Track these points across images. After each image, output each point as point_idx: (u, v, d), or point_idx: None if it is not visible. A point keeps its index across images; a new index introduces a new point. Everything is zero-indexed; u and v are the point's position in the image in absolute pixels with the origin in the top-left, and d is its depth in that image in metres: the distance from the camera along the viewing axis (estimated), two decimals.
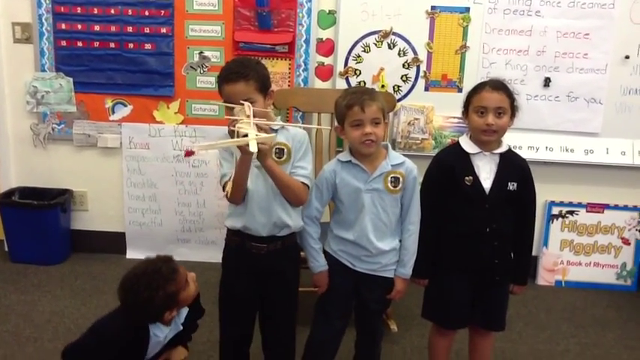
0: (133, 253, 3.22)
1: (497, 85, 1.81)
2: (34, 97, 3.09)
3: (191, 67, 3.02)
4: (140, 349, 1.73)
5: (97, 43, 3.01)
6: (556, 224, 3.18)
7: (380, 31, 2.93)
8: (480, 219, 1.83)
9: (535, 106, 2.97)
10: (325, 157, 2.77)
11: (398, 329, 2.53)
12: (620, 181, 3.09)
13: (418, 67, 2.97)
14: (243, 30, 2.95)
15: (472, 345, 2.06)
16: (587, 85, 2.96)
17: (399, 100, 2.98)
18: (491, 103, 1.78)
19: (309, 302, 1.97)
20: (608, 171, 3.07)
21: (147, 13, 2.96)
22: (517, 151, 1.96)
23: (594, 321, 2.78)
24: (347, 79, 3.00)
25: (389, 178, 1.78)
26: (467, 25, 2.92)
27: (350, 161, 1.79)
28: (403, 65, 2.97)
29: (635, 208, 3.14)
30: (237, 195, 1.70)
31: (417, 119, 2.98)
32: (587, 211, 3.16)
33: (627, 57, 2.93)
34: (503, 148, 1.85)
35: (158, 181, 3.17)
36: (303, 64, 3.00)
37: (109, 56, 3.02)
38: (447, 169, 1.85)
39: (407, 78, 2.99)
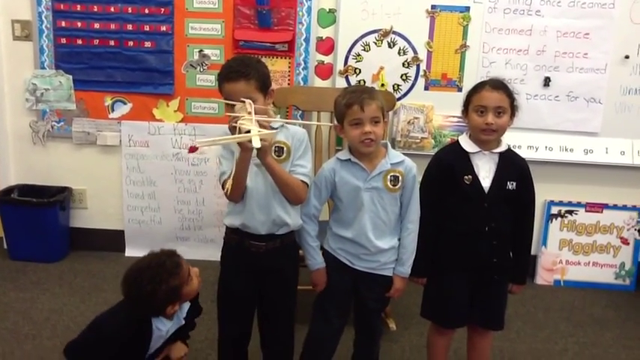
0: (132, 251, 3.22)
1: (497, 85, 1.81)
2: (34, 95, 3.08)
3: (191, 65, 3.02)
4: (143, 343, 1.73)
5: (97, 40, 3.00)
6: (555, 224, 3.18)
7: (380, 29, 2.93)
8: (478, 218, 1.83)
9: (535, 106, 2.97)
10: (325, 156, 2.77)
11: (397, 328, 2.54)
12: (619, 181, 3.10)
13: (418, 66, 2.97)
14: (243, 28, 2.94)
15: (470, 344, 2.07)
16: (586, 84, 2.96)
17: (399, 99, 2.98)
18: (491, 102, 1.78)
19: (307, 300, 1.97)
20: (608, 171, 3.07)
21: (147, 11, 2.96)
22: (516, 150, 1.96)
23: (593, 320, 2.79)
24: (347, 78, 2.99)
25: (388, 177, 1.78)
26: (467, 25, 2.92)
27: (349, 160, 1.79)
28: (403, 64, 2.97)
29: (634, 208, 3.15)
30: (237, 193, 1.70)
31: (416, 118, 2.98)
32: (587, 211, 3.16)
33: (627, 57, 2.93)
34: (502, 148, 1.85)
35: (157, 179, 3.17)
36: (302, 63, 3.00)
37: (109, 54, 3.01)
38: (447, 167, 1.86)
39: (407, 77, 2.99)
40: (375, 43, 2.95)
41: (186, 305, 1.84)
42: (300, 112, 2.95)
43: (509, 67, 2.94)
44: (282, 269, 1.84)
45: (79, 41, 3.01)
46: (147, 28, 2.98)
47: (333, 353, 1.94)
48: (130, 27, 2.98)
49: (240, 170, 1.65)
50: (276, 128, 1.76)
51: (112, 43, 3.00)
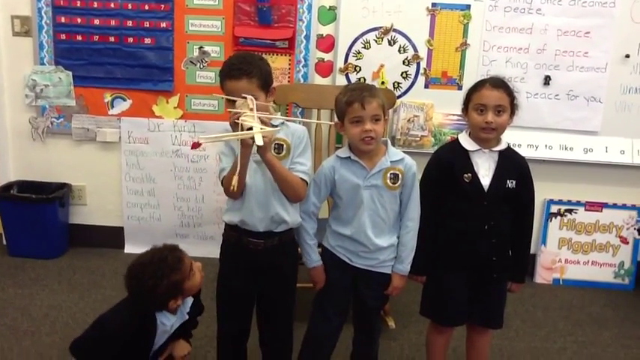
0: (131, 248, 3.21)
1: (497, 83, 1.81)
2: (33, 91, 3.08)
3: (191, 62, 3.01)
4: (147, 338, 1.74)
5: (97, 37, 3.00)
6: (554, 222, 3.18)
7: (380, 27, 2.93)
8: (478, 216, 1.83)
9: (535, 104, 2.97)
10: (324, 154, 2.77)
11: (396, 326, 2.54)
12: (618, 180, 3.10)
13: (418, 64, 2.97)
14: (243, 25, 2.94)
15: (469, 342, 2.07)
16: (587, 83, 2.96)
17: (399, 96, 2.98)
18: (491, 100, 1.78)
19: (307, 298, 1.97)
20: (607, 170, 3.07)
21: (147, 7, 2.95)
22: (516, 149, 1.96)
23: (591, 319, 2.79)
24: (347, 76, 2.99)
25: (388, 175, 1.78)
26: (467, 23, 2.92)
27: (349, 157, 1.79)
28: (403, 62, 2.97)
29: (633, 207, 3.15)
30: (236, 189, 1.70)
31: (416, 116, 2.98)
32: (586, 210, 3.17)
33: (627, 56, 2.93)
34: (502, 146, 1.85)
35: (157, 175, 3.17)
36: (303, 60, 2.99)
37: (109, 50, 3.01)
38: (446, 166, 1.85)
39: (407, 75, 2.98)
40: (376, 41, 2.95)
41: (190, 300, 1.84)
42: (300, 109, 2.95)
43: (510, 65, 2.94)
44: (281, 267, 1.84)
45: (79, 37, 3.01)
46: (147, 24, 2.97)
47: (332, 351, 1.95)
48: (129, 23, 2.97)
49: (242, 166, 1.65)
50: (277, 125, 1.75)
51: (111, 39, 3.00)
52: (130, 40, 2.99)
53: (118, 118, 3.11)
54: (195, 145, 1.52)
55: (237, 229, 1.79)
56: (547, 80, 2.96)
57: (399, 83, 2.99)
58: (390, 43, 2.95)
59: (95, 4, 2.96)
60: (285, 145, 1.77)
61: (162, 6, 2.95)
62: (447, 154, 1.90)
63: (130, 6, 2.95)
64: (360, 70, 2.98)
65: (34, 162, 3.20)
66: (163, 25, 2.97)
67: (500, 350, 2.42)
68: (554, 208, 3.17)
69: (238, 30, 2.93)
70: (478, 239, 1.83)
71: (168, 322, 1.77)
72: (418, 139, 2.99)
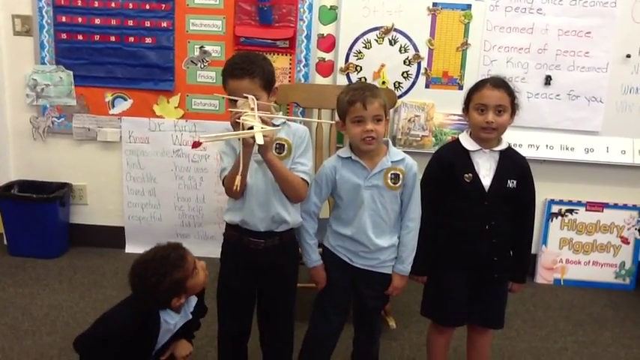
0: (132, 248, 3.22)
1: (498, 83, 1.81)
2: (34, 90, 3.08)
3: (191, 61, 3.01)
4: (150, 336, 1.74)
5: (98, 36, 3.00)
6: (555, 222, 3.18)
7: (381, 27, 2.93)
8: (479, 216, 1.83)
9: (536, 104, 2.97)
10: (325, 153, 2.77)
11: (396, 326, 2.54)
12: (619, 180, 3.09)
13: (419, 64, 2.97)
14: (244, 25, 2.94)
15: (470, 342, 2.07)
16: (588, 83, 2.95)
17: (400, 96, 2.97)
18: (492, 100, 1.78)
19: (307, 298, 1.97)
20: (608, 170, 3.07)
21: (147, 7, 2.95)
22: (517, 148, 1.96)
23: (592, 319, 2.79)
24: (348, 75, 2.99)
25: (389, 175, 1.77)
26: (468, 23, 2.91)
27: (350, 158, 1.79)
28: (404, 62, 2.97)
29: (634, 207, 3.15)
30: (238, 189, 1.70)
31: (417, 116, 2.98)
32: (587, 210, 3.16)
33: (628, 56, 2.92)
34: (503, 146, 1.85)
35: (158, 175, 3.17)
36: (303, 60, 2.99)
37: (110, 50, 3.01)
38: (447, 166, 1.85)
39: (408, 75, 2.98)
40: (377, 41, 2.95)
41: (194, 299, 1.85)
42: (301, 109, 2.94)
43: (511, 65, 2.94)
44: (282, 266, 1.84)
45: (80, 37, 3.01)
46: (147, 23, 2.97)
47: (332, 351, 1.95)
48: (130, 23, 2.97)
49: (243, 166, 1.64)
50: (278, 125, 1.75)
51: (112, 38, 3.00)
52: (131, 39, 3.00)
53: (119, 118, 3.11)
54: (196, 144, 1.52)
55: (238, 229, 1.79)
56: (548, 80, 2.96)
57: (399, 83, 2.99)
58: (390, 43, 2.95)
59: (96, 4, 2.96)
60: (286, 145, 1.77)
61: (163, 5, 2.95)
62: (448, 154, 1.90)
63: (130, 5, 2.95)
64: (361, 69, 2.98)
65: (35, 161, 3.20)
66: (164, 24, 2.97)
67: (500, 350, 2.42)
68: (555, 208, 3.17)
69: (239, 29, 2.93)
70: (479, 239, 1.83)
71: (171, 321, 1.78)
72: (419, 139, 2.99)
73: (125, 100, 3.09)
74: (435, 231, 1.86)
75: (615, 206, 3.15)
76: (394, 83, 2.99)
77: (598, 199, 3.15)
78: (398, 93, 2.96)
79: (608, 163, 3.04)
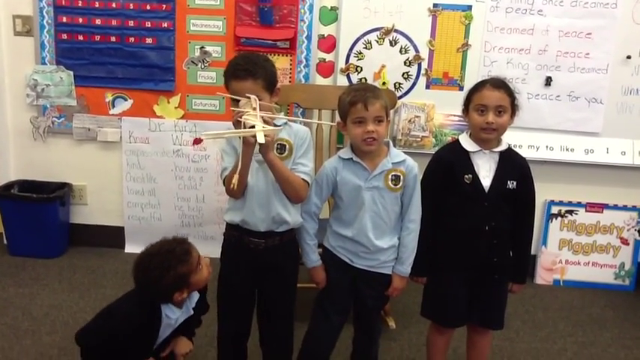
0: (132, 248, 3.21)
1: (498, 84, 1.81)
2: (34, 90, 3.08)
3: (192, 61, 3.02)
4: (152, 330, 1.75)
5: (98, 36, 3.00)
6: (555, 223, 3.18)
7: (382, 28, 2.93)
8: (478, 217, 1.83)
9: (536, 105, 2.97)
10: (325, 154, 2.77)
11: (396, 326, 2.54)
12: (619, 181, 3.09)
13: (419, 65, 2.97)
14: (244, 25, 2.94)
15: (470, 343, 2.07)
16: (588, 84, 2.96)
17: (400, 97, 2.98)
18: (492, 101, 1.78)
19: (307, 298, 1.97)
20: (608, 171, 3.07)
21: (148, 7, 2.96)
22: (517, 149, 1.96)
23: (592, 320, 2.79)
24: (348, 76, 2.99)
25: (389, 176, 1.78)
26: (469, 23, 2.92)
27: (351, 159, 1.79)
28: (404, 63, 2.97)
29: (634, 208, 3.15)
30: (238, 188, 1.70)
31: (417, 117, 2.98)
32: (587, 211, 3.16)
33: (629, 57, 2.93)
34: (503, 147, 1.85)
35: (158, 175, 3.17)
36: (304, 60, 2.99)
37: (110, 50, 3.01)
38: (447, 166, 1.85)
39: (408, 75, 2.98)
40: (377, 42, 2.95)
41: (196, 295, 1.85)
42: (302, 109, 2.94)
43: (511, 66, 2.94)
44: (282, 267, 1.84)
45: (80, 37, 3.01)
46: (148, 24, 2.98)
47: (332, 351, 1.94)
48: (131, 23, 2.98)
49: (244, 165, 1.65)
50: (280, 125, 1.76)
51: (113, 39, 3.00)
52: (132, 39, 3.00)
53: (119, 118, 3.11)
54: (197, 141, 1.53)
55: (238, 229, 1.79)
56: (548, 81, 2.96)
57: (400, 84, 2.99)
58: (391, 44, 2.95)
59: (97, 4, 2.96)
60: (287, 146, 1.77)
61: (164, 6, 2.95)
62: (448, 154, 1.90)
63: (131, 6, 2.95)
64: (362, 70, 2.98)
65: (35, 161, 3.21)
66: (165, 25, 2.97)
67: (500, 351, 2.42)
68: (554, 209, 3.17)
69: (240, 30, 2.93)
70: (479, 240, 1.83)
71: (173, 316, 1.78)
72: (419, 139, 2.99)
73: (125, 100, 3.09)
74: (434, 232, 1.86)
75: (615, 207, 3.15)
76: (394, 84, 2.99)
77: (598, 200, 3.15)
78: (398, 94, 2.96)
79: (608, 164, 3.04)
